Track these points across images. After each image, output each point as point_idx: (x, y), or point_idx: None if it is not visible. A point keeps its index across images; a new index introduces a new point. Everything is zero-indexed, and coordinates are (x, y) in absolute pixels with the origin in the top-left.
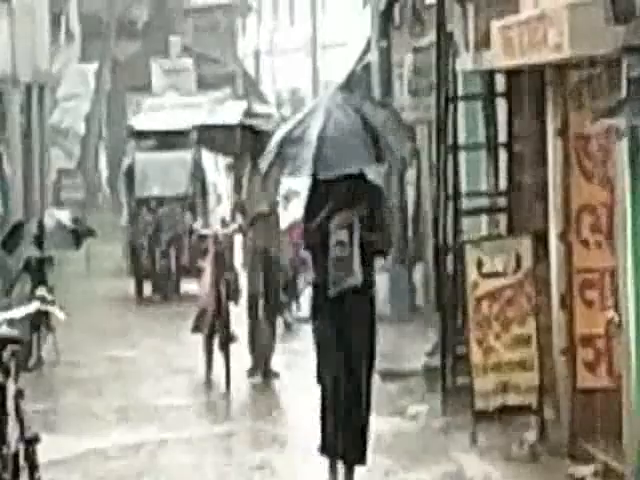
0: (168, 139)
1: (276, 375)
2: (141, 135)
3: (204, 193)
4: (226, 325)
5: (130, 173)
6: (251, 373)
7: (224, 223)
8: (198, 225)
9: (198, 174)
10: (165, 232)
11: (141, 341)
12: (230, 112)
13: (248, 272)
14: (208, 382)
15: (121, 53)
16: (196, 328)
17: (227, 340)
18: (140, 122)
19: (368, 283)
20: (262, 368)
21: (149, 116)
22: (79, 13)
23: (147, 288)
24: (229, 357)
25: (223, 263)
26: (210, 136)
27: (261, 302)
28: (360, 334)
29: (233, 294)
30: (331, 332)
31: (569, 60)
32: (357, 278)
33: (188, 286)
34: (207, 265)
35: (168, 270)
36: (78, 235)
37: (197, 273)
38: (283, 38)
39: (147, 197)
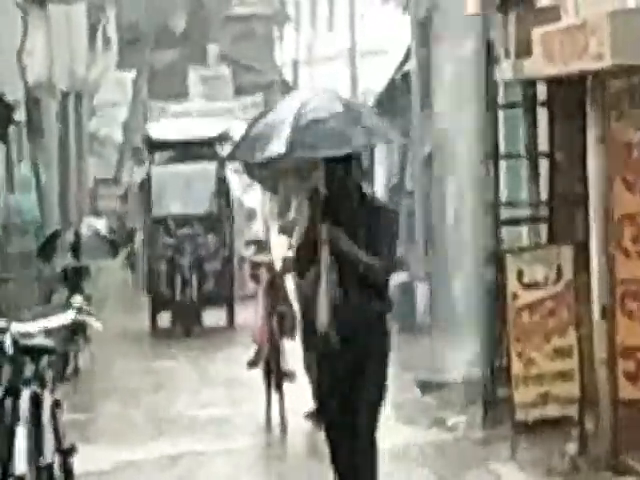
0: (190, 150)
1: None
2: (159, 145)
3: (229, 211)
4: (278, 362)
5: (145, 188)
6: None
7: (260, 247)
8: (250, 252)
9: (222, 189)
10: (186, 256)
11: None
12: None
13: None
14: (268, 421)
15: (159, 61)
16: (253, 363)
17: (280, 379)
18: (159, 130)
19: (370, 314)
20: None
21: (170, 124)
22: (117, 21)
23: (162, 319)
24: (283, 397)
25: (277, 294)
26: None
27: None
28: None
29: (288, 328)
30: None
31: (610, 69)
32: (322, 323)
33: (211, 318)
34: (259, 296)
35: (190, 299)
36: (115, 244)
37: (241, 300)
38: (321, 47)
39: (165, 216)
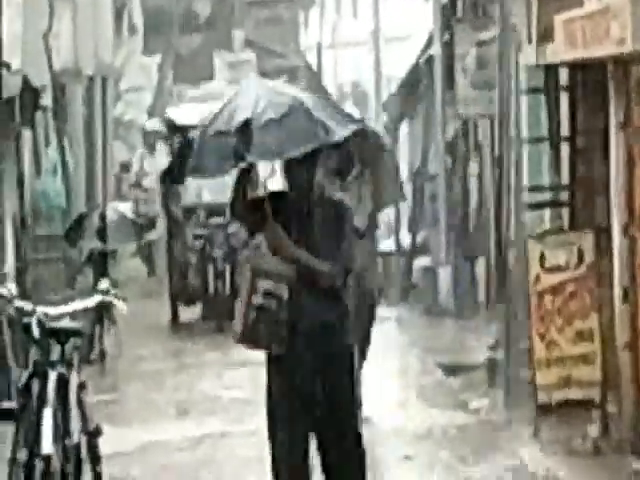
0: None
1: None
2: (184, 130)
3: None
4: None
5: (171, 174)
6: None
7: None
8: None
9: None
10: (218, 247)
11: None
12: None
13: None
14: None
15: (184, 46)
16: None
17: None
18: (182, 114)
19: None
20: None
21: (193, 108)
22: (142, 6)
23: (186, 313)
24: None
25: None
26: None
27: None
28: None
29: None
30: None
31: (632, 54)
32: (281, 346)
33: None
34: None
35: (223, 293)
36: (140, 228)
37: None
38: (345, 31)
39: (196, 205)
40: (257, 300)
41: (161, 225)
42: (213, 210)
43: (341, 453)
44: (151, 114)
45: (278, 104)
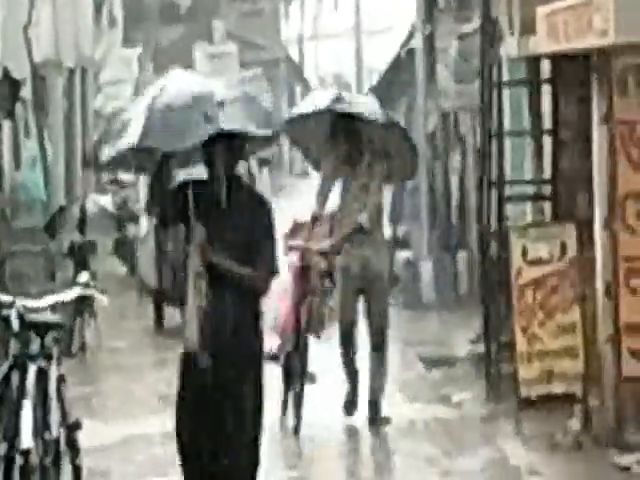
0: None
1: (387, 420)
2: None
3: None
4: (302, 359)
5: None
6: (348, 410)
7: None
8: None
9: (250, 169)
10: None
11: None
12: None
13: (340, 299)
14: (282, 425)
15: (164, 38)
16: (274, 357)
17: (301, 377)
18: None
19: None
20: (369, 413)
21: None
22: None
23: (175, 315)
24: (302, 398)
25: (308, 284)
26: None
27: (363, 333)
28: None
29: (315, 324)
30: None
31: (614, 46)
32: (191, 341)
33: None
34: (287, 285)
35: None
36: (120, 220)
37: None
38: (327, 24)
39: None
40: (198, 301)
41: (145, 221)
42: None
43: (232, 459)
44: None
45: (233, 88)
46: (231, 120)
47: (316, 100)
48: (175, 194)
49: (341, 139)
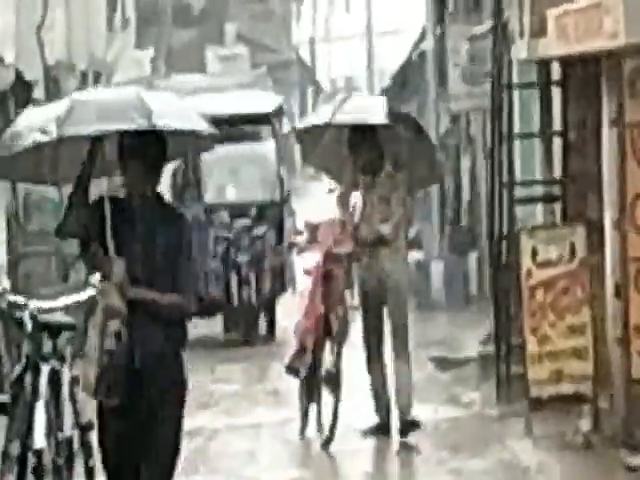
0: (241, 127)
1: (417, 425)
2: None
3: (283, 199)
4: (337, 369)
5: (188, 171)
6: (372, 432)
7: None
8: (302, 239)
9: (281, 172)
10: (242, 252)
11: None
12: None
13: (362, 314)
14: (303, 438)
15: (177, 40)
16: (291, 369)
17: (337, 383)
18: (204, 105)
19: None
20: (399, 423)
21: (213, 98)
22: (135, 0)
23: (203, 326)
24: (321, 410)
25: (331, 288)
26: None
27: (386, 340)
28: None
29: (339, 333)
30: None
31: (625, 48)
32: (89, 390)
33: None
34: (309, 289)
35: (249, 303)
36: None
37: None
38: (338, 26)
39: (219, 204)
40: (108, 344)
41: None
42: (237, 210)
43: None
44: None
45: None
46: (164, 118)
47: (319, 115)
48: (92, 212)
49: (355, 150)
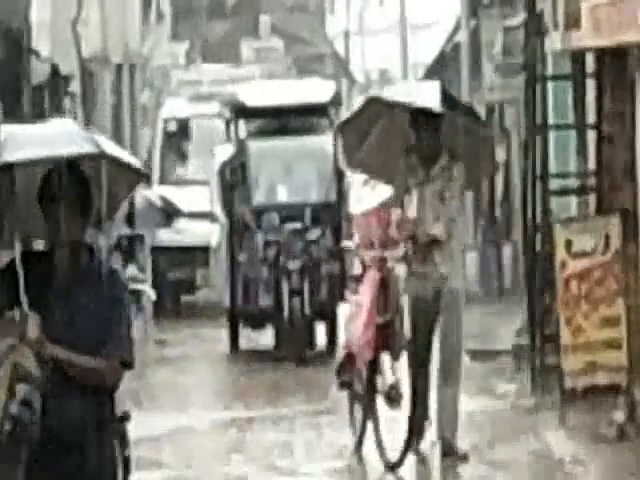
0: (292, 118)
1: (464, 458)
2: (256, 113)
3: (340, 199)
4: (396, 383)
5: (236, 168)
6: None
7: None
8: (352, 243)
9: (338, 169)
10: (294, 259)
11: None
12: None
13: (411, 317)
14: (360, 460)
15: (211, 33)
16: (344, 384)
17: (396, 401)
18: (252, 95)
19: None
20: (443, 446)
21: (260, 87)
22: None
23: (251, 339)
24: (379, 426)
25: (388, 297)
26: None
27: (433, 355)
28: None
29: (395, 345)
30: None
31: None
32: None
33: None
34: (364, 298)
35: (302, 314)
36: (168, 214)
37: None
38: (372, 18)
39: (269, 206)
40: (14, 409)
41: (217, 229)
42: (289, 212)
43: None
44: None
45: None
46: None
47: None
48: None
49: (412, 138)
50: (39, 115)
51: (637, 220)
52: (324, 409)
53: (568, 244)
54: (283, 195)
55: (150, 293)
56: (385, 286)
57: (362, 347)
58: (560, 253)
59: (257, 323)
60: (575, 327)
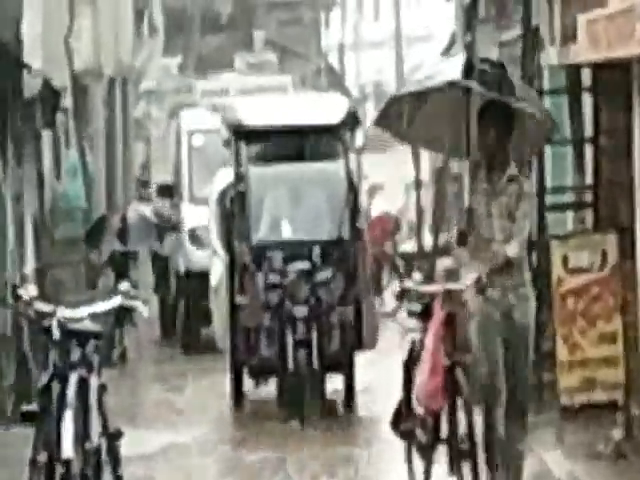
0: (300, 141)
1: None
2: (257, 135)
3: (360, 232)
4: (456, 435)
5: (236, 200)
6: None
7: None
8: (416, 280)
9: (352, 200)
10: (300, 305)
11: None
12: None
13: (481, 352)
14: None
15: (205, 47)
16: (405, 435)
17: (459, 457)
18: (252, 114)
19: None
20: None
21: (260, 104)
22: (163, 7)
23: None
24: None
25: (456, 336)
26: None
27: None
28: None
29: (468, 388)
30: None
31: None
32: None
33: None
34: (428, 340)
35: (309, 368)
36: (161, 230)
37: None
38: (367, 32)
39: (271, 243)
40: None
41: (219, 265)
42: (294, 251)
43: None
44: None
45: None
46: None
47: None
48: None
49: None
50: (31, 129)
51: (634, 236)
52: None
53: (565, 260)
54: (288, 230)
55: (143, 310)
56: (452, 322)
57: (429, 394)
58: (557, 269)
59: (260, 376)
60: (572, 344)
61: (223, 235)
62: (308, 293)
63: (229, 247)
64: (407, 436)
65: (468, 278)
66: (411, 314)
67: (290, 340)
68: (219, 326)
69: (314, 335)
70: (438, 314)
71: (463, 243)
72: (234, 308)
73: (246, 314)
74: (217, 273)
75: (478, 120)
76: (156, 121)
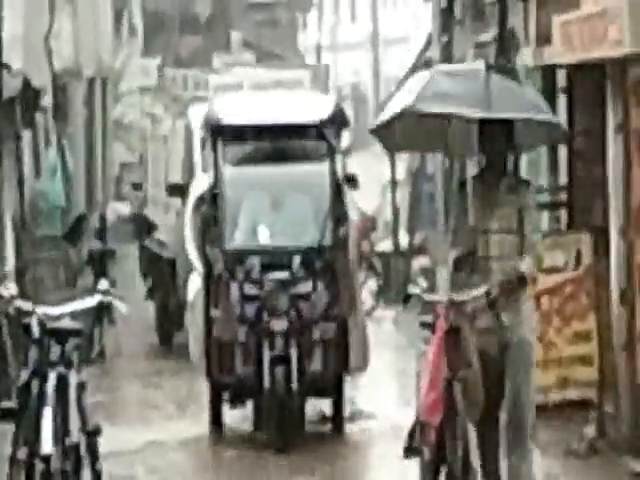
0: (282, 141)
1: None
2: (236, 135)
3: (345, 240)
4: (467, 454)
5: (209, 204)
6: None
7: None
8: (419, 288)
9: (338, 206)
10: (279, 318)
11: None
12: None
13: (482, 378)
14: None
15: (183, 48)
16: (411, 450)
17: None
18: (232, 112)
19: None
20: None
21: (239, 102)
22: (142, 8)
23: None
24: None
25: (459, 350)
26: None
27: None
28: None
29: (472, 405)
30: None
31: (629, 56)
32: None
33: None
34: (430, 353)
35: (287, 389)
36: (139, 229)
37: None
38: (344, 33)
39: (247, 251)
40: None
41: (196, 278)
42: (273, 259)
43: None
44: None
45: None
46: None
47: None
48: None
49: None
50: (11, 128)
51: (608, 235)
52: None
53: (539, 260)
54: (265, 236)
55: (121, 307)
56: (457, 335)
57: (428, 410)
58: None
59: (236, 398)
60: (547, 342)
61: (200, 244)
62: (288, 305)
63: (204, 257)
64: (414, 453)
65: (476, 290)
66: (424, 325)
67: (267, 356)
68: (194, 345)
69: (293, 351)
70: (441, 325)
71: (462, 269)
72: (209, 322)
73: (219, 327)
74: (194, 286)
75: (479, 132)
76: (158, 119)
